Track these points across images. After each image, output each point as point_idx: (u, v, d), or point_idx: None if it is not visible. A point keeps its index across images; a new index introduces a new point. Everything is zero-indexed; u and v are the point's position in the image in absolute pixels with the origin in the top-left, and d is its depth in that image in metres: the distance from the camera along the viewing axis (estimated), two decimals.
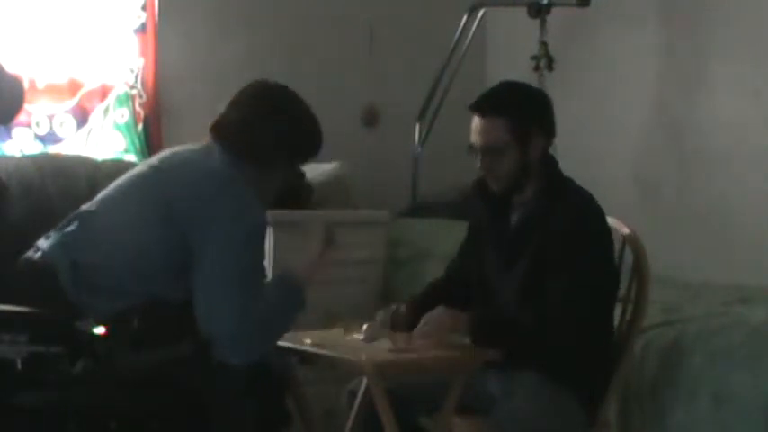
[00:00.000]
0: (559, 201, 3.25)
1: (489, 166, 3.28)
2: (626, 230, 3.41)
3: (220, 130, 3.16)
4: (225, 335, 2.92)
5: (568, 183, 3.33)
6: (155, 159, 3.21)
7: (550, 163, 3.33)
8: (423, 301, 3.40)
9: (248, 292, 2.96)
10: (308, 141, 3.22)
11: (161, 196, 3.02)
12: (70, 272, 2.94)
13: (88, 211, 3.10)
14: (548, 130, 3.32)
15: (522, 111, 3.28)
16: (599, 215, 3.28)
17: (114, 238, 2.99)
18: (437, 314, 3.19)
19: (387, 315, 3.37)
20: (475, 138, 3.28)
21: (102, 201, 3.12)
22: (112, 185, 3.16)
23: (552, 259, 3.16)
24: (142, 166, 3.21)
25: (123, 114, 4.77)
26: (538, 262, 3.19)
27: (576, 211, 3.23)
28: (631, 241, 3.39)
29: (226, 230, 2.96)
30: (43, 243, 3.06)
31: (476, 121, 3.29)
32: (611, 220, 3.40)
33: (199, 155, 3.14)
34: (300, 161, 3.27)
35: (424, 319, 3.19)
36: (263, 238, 3.08)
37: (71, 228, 3.05)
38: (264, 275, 3.12)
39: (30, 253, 3.06)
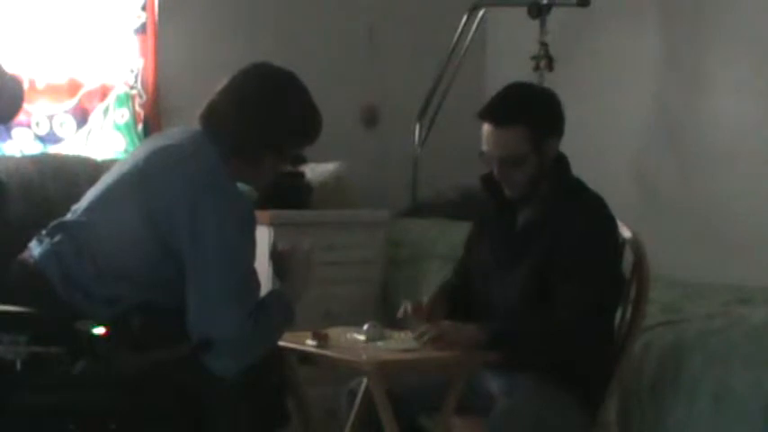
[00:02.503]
0: (571, 203, 3.22)
1: (508, 175, 3.22)
2: (626, 230, 3.41)
3: (208, 120, 3.08)
4: (224, 340, 2.90)
5: (581, 184, 3.31)
6: (139, 157, 3.10)
7: (563, 162, 3.30)
8: (433, 304, 3.34)
9: (244, 298, 2.93)
10: (298, 133, 3.13)
11: (147, 207, 2.96)
12: (63, 282, 2.94)
13: (76, 222, 3.05)
14: (561, 129, 3.28)
15: (538, 116, 3.21)
16: (611, 219, 3.26)
17: (105, 251, 2.96)
18: (447, 328, 3.16)
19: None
20: (489, 147, 3.21)
21: (89, 210, 3.05)
22: (97, 189, 3.10)
23: (563, 262, 3.14)
24: (126, 165, 3.12)
25: (123, 114, 4.76)
26: (544, 263, 3.17)
27: (590, 214, 3.21)
28: (632, 241, 3.39)
29: (214, 240, 2.91)
30: (35, 248, 3.04)
31: (489, 130, 3.21)
32: None
33: (184, 153, 3.04)
34: (292, 152, 3.19)
35: (431, 327, 3.16)
36: (252, 241, 3.01)
37: (59, 238, 3.00)
38: (257, 279, 3.03)
39: (24, 256, 3.05)
